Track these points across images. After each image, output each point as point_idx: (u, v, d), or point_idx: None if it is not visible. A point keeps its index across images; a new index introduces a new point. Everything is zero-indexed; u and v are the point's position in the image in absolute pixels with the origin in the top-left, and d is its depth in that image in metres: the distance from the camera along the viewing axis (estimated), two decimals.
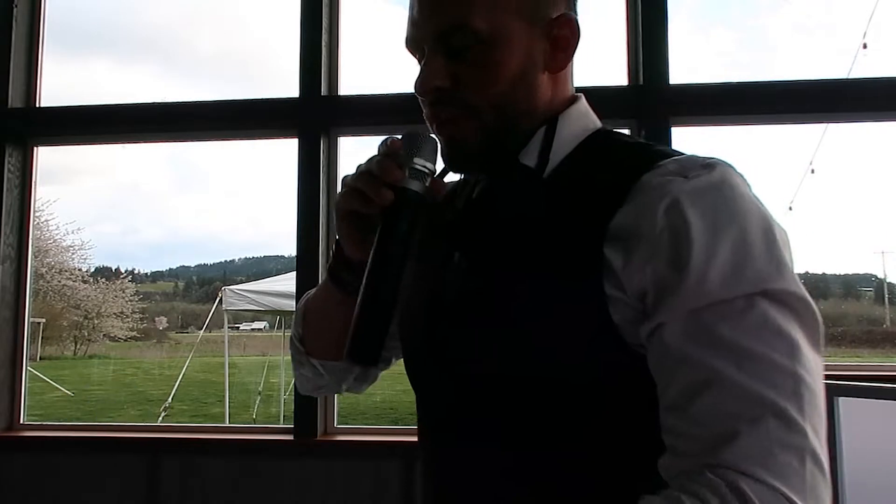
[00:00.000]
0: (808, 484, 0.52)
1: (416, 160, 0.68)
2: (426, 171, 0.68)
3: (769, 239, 0.58)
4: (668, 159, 0.63)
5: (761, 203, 0.61)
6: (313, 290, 0.88)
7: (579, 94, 0.75)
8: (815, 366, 0.56)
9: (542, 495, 0.65)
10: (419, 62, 0.72)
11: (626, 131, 2.22)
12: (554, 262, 0.63)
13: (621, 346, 0.61)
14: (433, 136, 0.70)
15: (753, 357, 0.54)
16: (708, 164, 0.61)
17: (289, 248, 2.32)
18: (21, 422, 2.35)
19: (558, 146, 0.70)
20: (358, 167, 0.70)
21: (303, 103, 2.29)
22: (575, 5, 0.73)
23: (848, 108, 2.16)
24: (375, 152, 0.70)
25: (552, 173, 0.69)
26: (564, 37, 0.70)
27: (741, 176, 0.62)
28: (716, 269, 0.56)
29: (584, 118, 0.73)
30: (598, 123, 0.74)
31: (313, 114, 2.29)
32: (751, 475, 0.51)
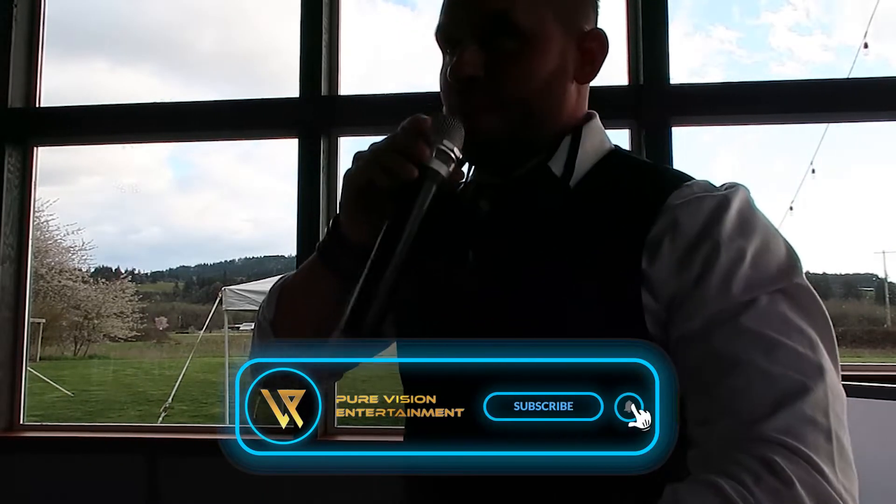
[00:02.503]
0: (836, 462, 0.54)
1: (445, 142, 0.65)
2: (452, 155, 0.65)
3: (786, 245, 0.65)
4: (692, 181, 0.68)
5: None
6: (291, 274, 0.83)
7: (593, 111, 0.78)
8: (832, 354, 0.60)
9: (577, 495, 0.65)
10: (446, 52, 0.72)
11: (627, 131, 2.22)
12: (593, 273, 0.65)
13: None
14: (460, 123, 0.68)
15: (779, 346, 0.58)
16: (730, 186, 0.67)
17: (289, 248, 2.32)
18: (21, 422, 2.35)
19: (582, 158, 0.72)
20: (373, 145, 0.67)
21: (303, 103, 2.29)
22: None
23: (849, 108, 2.16)
24: (400, 127, 0.67)
25: (577, 185, 0.70)
26: (593, 50, 0.73)
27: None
28: (741, 274, 0.61)
29: (601, 134, 0.75)
30: (612, 142, 0.77)
31: (313, 114, 2.28)
32: (781, 444, 0.53)
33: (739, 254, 0.62)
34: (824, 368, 0.58)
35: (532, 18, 0.68)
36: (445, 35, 0.71)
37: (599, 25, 0.76)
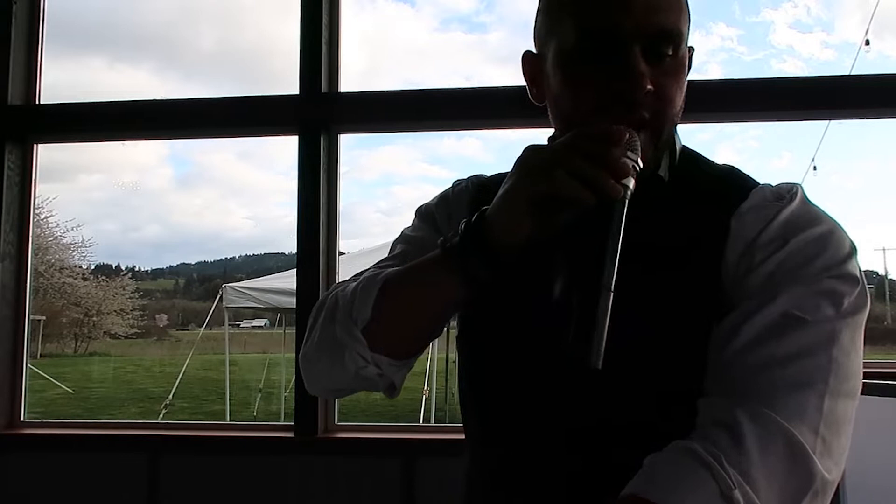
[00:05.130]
0: (821, 425, 0.59)
1: (632, 155, 0.62)
2: (638, 170, 0.62)
3: (840, 233, 0.69)
4: (757, 188, 0.73)
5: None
6: (393, 272, 0.73)
7: None
8: (857, 334, 0.66)
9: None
10: (589, 51, 0.68)
11: None
12: (690, 266, 0.69)
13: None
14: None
15: (801, 323, 0.63)
16: (792, 190, 0.72)
17: (289, 245, 2.32)
18: (21, 419, 2.35)
19: (674, 159, 0.77)
20: (560, 147, 0.62)
21: (303, 100, 2.29)
22: None
23: (850, 105, 2.15)
24: (586, 136, 0.63)
25: (672, 182, 0.75)
26: (689, 66, 0.76)
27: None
28: (797, 265, 0.66)
29: (678, 138, 0.79)
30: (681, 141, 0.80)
31: (313, 111, 2.28)
32: (755, 406, 0.59)
33: (786, 250, 0.67)
34: (834, 344, 0.62)
35: (685, 39, 0.71)
36: (606, 37, 0.67)
37: None
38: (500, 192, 0.65)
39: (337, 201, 2.30)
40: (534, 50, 0.78)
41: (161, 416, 8.40)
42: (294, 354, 1.61)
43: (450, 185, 0.88)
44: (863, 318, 0.66)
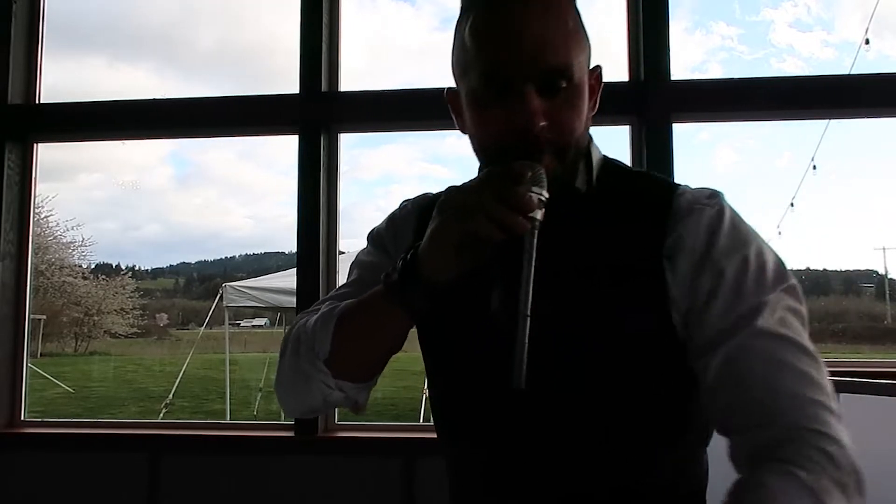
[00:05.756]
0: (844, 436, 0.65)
1: (536, 189, 0.68)
2: (543, 201, 0.68)
3: (770, 247, 0.75)
4: (682, 189, 0.78)
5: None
6: (345, 307, 0.81)
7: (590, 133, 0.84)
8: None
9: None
10: (491, 92, 0.74)
11: (627, 127, 2.22)
12: (626, 283, 0.73)
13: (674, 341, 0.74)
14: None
15: (795, 343, 0.68)
16: (712, 194, 0.77)
17: (289, 244, 2.32)
18: (22, 418, 2.35)
19: (595, 171, 0.81)
20: (470, 188, 0.70)
21: (303, 100, 2.29)
22: None
23: (850, 104, 2.15)
24: (494, 176, 0.69)
25: (595, 193, 0.80)
26: (598, 86, 0.82)
27: None
28: (749, 281, 0.71)
29: (598, 150, 0.84)
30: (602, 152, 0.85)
31: (313, 110, 2.28)
32: (817, 431, 0.63)
33: (743, 264, 0.72)
34: (818, 355, 0.69)
35: (580, 65, 0.75)
36: (500, 79, 0.73)
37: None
38: (428, 231, 0.72)
39: (337, 200, 2.30)
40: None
41: (161, 415, 8.40)
42: None
43: (397, 207, 0.96)
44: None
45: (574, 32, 0.75)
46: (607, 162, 0.84)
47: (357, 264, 0.94)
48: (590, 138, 0.82)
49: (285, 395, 0.85)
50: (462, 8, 0.79)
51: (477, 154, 0.81)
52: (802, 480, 0.60)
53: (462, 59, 0.78)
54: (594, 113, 0.81)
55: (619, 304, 0.73)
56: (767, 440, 0.65)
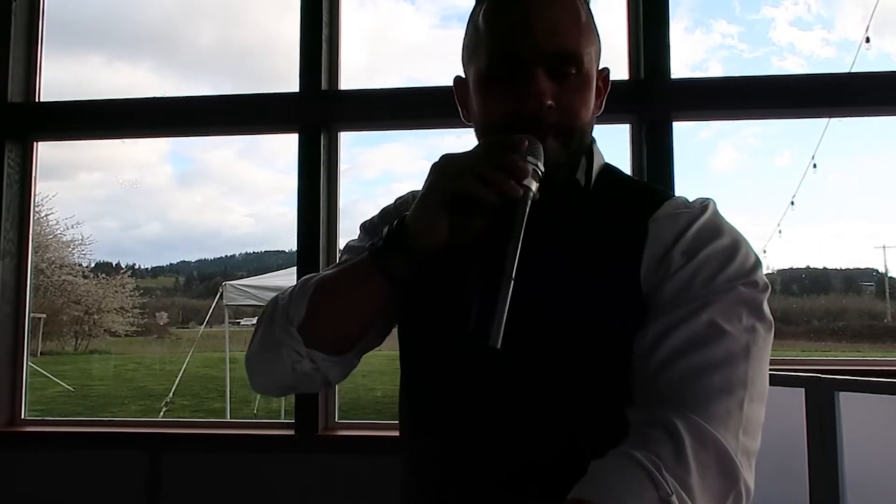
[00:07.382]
0: (741, 428, 0.65)
1: (532, 159, 0.69)
2: (539, 174, 0.69)
3: (746, 248, 0.76)
4: (670, 199, 0.80)
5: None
6: (326, 273, 0.82)
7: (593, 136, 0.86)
8: (764, 343, 0.71)
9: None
10: (502, 75, 0.75)
11: (628, 125, 2.22)
12: (607, 261, 0.75)
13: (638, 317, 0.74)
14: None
15: (722, 335, 0.69)
16: (702, 202, 0.79)
17: (289, 243, 2.32)
18: (22, 417, 2.36)
19: (595, 171, 0.83)
20: (466, 155, 0.70)
21: (303, 98, 2.29)
22: None
23: (850, 103, 2.15)
24: (491, 144, 0.70)
25: (591, 192, 0.81)
26: (605, 86, 0.84)
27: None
28: (709, 268, 0.73)
29: (600, 153, 0.85)
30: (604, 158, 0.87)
31: (313, 109, 2.28)
32: (684, 412, 0.64)
33: (709, 255, 0.73)
34: (750, 353, 0.69)
35: (589, 56, 0.77)
36: (512, 62, 0.75)
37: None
38: (419, 197, 0.73)
39: (337, 199, 2.30)
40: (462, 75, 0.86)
41: (161, 413, 8.40)
42: None
43: (392, 202, 0.96)
44: (772, 324, 0.73)
45: (586, 25, 0.77)
46: (608, 167, 0.85)
47: (347, 249, 0.94)
48: (593, 140, 0.83)
49: (254, 365, 0.85)
50: None
51: (479, 136, 0.82)
52: (641, 464, 0.61)
53: (473, 42, 0.79)
54: (599, 114, 0.82)
55: (594, 283, 0.75)
56: (644, 418, 0.67)
